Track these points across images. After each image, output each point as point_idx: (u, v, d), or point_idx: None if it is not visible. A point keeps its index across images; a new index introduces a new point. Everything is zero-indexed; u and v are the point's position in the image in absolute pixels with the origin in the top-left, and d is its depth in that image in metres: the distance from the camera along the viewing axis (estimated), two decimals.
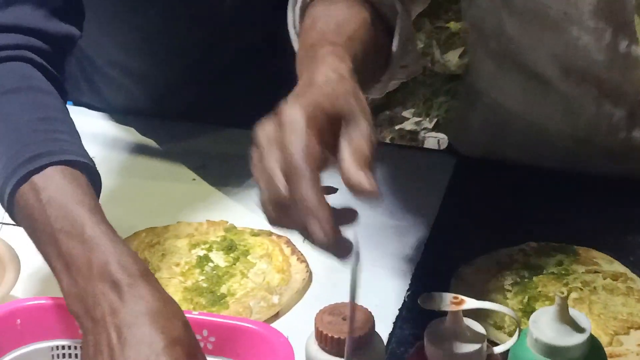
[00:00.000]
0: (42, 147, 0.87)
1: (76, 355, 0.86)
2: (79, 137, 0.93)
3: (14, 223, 0.89)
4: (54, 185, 0.84)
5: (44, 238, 0.82)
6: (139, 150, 1.33)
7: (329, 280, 1.07)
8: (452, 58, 2.80)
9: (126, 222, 1.15)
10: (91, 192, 0.86)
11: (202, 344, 0.83)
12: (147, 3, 1.25)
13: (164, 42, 1.30)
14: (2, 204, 0.88)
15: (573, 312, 0.79)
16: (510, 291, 1.04)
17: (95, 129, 1.36)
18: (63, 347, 0.86)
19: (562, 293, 0.78)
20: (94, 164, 0.90)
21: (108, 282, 0.78)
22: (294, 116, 0.74)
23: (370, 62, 0.89)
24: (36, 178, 0.84)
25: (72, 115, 0.98)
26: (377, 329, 0.84)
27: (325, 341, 0.80)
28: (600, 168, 1.21)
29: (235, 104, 1.36)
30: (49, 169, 0.85)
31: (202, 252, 1.10)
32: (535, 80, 1.17)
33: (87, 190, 0.85)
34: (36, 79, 0.96)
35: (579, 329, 0.78)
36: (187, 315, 0.81)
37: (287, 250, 1.10)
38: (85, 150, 0.92)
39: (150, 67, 1.33)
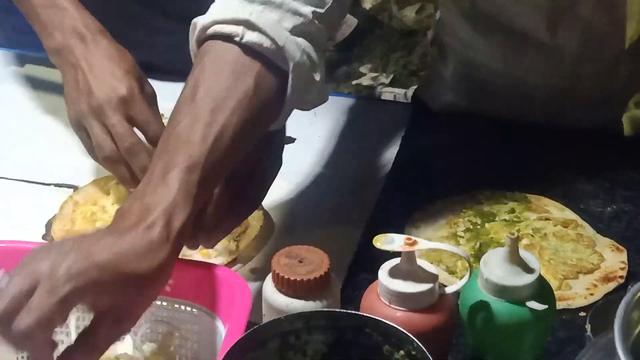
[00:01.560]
0: None
1: None
2: None
3: None
4: None
5: (28, 11, 1.11)
6: None
7: (286, 226, 1.09)
8: (409, 14, 2.81)
9: (84, 170, 1.16)
10: None
11: None
12: None
13: None
14: None
15: (523, 253, 0.81)
16: (463, 237, 1.06)
17: (51, 75, 1.36)
18: None
19: (513, 234, 0.79)
20: None
21: (77, 36, 1.07)
22: None
23: (249, 134, 0.88)
24: None
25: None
26: (332, 274, 0.85)
27: (282, 283, 0.82)
28: (578, 119, 1.22)
29: None
30: None
31: None
32: (514, 36, 1.17)
33: None
34: None
35: (529, 270, 0.80)
36: None
37: None
38: None
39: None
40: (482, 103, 1.27)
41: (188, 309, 0.86)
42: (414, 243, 0.79)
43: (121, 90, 1.03)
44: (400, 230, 1.06)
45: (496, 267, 0.80)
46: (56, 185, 1.15)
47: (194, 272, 0.86)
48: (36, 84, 1.35)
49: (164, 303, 0.86)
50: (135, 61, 1.08)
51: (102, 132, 1.02)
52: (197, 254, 1.01)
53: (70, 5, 1.09)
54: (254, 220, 1.08)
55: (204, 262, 0.91)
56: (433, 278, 0.80)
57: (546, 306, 0.79)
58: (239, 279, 0.84)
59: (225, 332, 0.79)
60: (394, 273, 0.80)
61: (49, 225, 1.08)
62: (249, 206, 0.94)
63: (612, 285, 1.01)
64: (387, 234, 0.80)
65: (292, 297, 0.82)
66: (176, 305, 0.86)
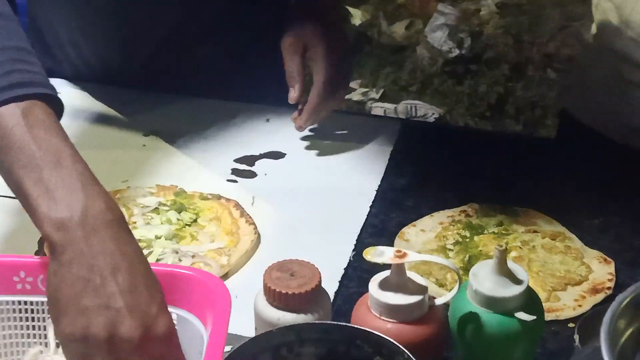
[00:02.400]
0: (24, 76, 0.85)
1: (13, 311, 0.85)
2: (40, 65, 0.90)
3: None
4: (37, 115, 0.83)
5: (22, 162, 0.81)
6: (90, 116, 1.33)
7: (277, 241, 1.10)
8: (398, 30, 2.83)
9: None
10: (62, 129, 0.85)
11: None
12: None
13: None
14: None
15: (511, 264, 0.82)
16: (452, 250, 1.07)
17: None
18: (0, 304, 0.85)
19: (501, 246, 0.80)
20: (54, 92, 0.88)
21: (94, 219, 0.78)
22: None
23: None
24: (20, 104, 0.83)
25: None
26: (324, 287, 0.86)
27: (273, 296, 0.82)
28: None
29: (193, 72, 1.37)
30: (32, 100, 0.83)
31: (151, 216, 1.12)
32: None
33: (61, 128, 0.85)
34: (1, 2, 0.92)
35: (517, 281, 0.81)
36: None
37: (236, 213, 1.12)
38: (47, 80, 0.89)
39: (110, 32, 1.34)
40: None
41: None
42: (404, 255, 0.80)
43: (122, 330, 0.76)
44: (390, 244, 1.08)
45: (485, 279, 0.81)
46: None
47: (173, 276, 0.84)
48: None
49: None
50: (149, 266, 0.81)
51: None
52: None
53: (87, 178, 0.82)
54: (245, 235, 1.09)
55: (182, 266, 0.91)
56: (423, 290, 0.81)
57: (535, 317, 0.80)
58: (217, 280, 0.83)
59: (209, 334, 0.78)
60: (384, 285, 0.81)
61: (41, 242, 1.09)
62: (343, 88, 1.28)
63: (600, 297, 1.02)
64: (376, 247, 0.81)
65: (283, 310, 0.82)
66: None
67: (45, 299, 0.80)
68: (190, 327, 0.83)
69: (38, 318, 0.85)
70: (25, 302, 0.85)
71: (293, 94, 1.24)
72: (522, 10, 2.83)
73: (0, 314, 0.85)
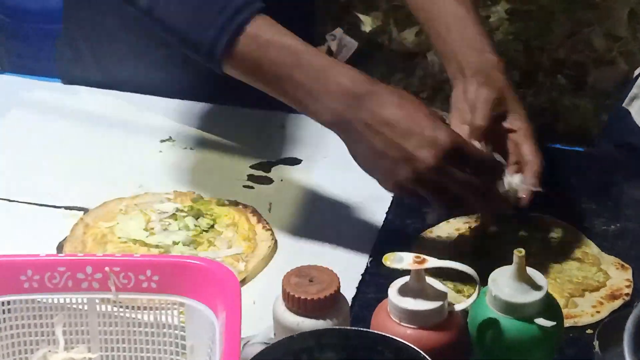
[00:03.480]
0: (235, 1, 0.97)
1: (21, 309, 0.86)
2: None
3: None
4: (264, 31, 0.97)
5: (272, 76, 0.97)
6: (107, 121, 1.34)
7: (294, 247, 1.10)
8: (409, 36, 2.83)
9: (94, 192, 1.18)
10: (287, 29, 0.99)
11: (145, 284, 0.85)
12: None
13: None
14: (214, 61, 0.99)
15: (530, 270, 0.82)
16: (469, 256, 1.07)
17: (60, 102, 1.38)
18: (9, 303, 0.86)
19: (520, 252, 0.80)
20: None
21: (353, 97, 0.95)
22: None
23: None
24: (248, 28, 0.96)
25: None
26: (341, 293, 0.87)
27: (292, 302, 0.83)
28: None
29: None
30: (255, 18, 0.97)
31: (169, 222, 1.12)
32: None
33: (285, 29, 0.98)
34: None
35: (536, 287, 0.81)
36: (128, 258, 0.86)
37: (253, 219, 1.13)
38: None
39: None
40: None
41: (176, 300, 0.86)
42: (423, 261, 0.80)
43: (444, 140, 0.94)
44: (407, 249, 1.07)
45: (504, 285, 0.81)
46: (67, 208, 1.16)
47: (180, 266, 0.86)
48: (45, 109, 1.36)
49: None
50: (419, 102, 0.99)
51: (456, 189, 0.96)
52: None
53: (329, 63, 0.99)
54: (263, 241, 1.10)
55: (189, 256, 0.92)
56: (442, 296, 0.81)
57: (554, 323, 0.80)
58: (225, 269, 0.84)
59: (220, 322, 0.79)
60: (403, 291, 0.81)
61: (60, 247, 1.09)
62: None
63: (618, 303, 1.02)
64: (396, 252, 0.81)
65: (302, 316, 0.83)
66: (161, 301, 0.87)
67: (53, 296, 0.84)
68: (200, 315, 0.83)
69: (46, 316, 0.86)
70: (33, 301, 0.85)
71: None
72: (532, 16, 2.82)
73: (8, 313, 0.86)
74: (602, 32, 2.84)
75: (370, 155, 0.97)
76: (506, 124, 1.08)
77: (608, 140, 1.46)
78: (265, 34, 0.97)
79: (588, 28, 2.85)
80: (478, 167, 0.97)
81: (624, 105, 1.42)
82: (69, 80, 1.41)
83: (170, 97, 1.36)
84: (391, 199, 1.18)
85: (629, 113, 1.35)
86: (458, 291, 1.02)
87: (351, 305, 1.00)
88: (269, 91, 1.00)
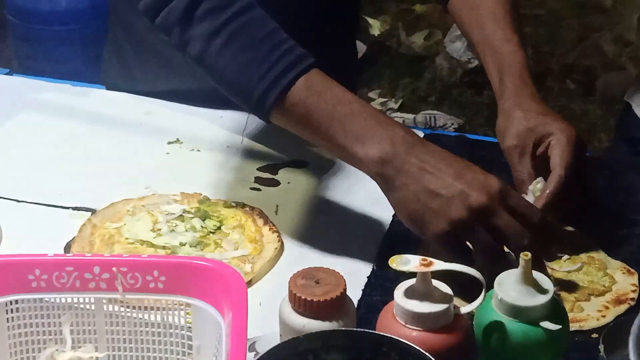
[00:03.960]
0: (289, 56, 1.02)
1: (29, 309, 0.87)
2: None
3: None
4: (317, 82, 1.02)
5: (324, 124, 1.00)
6: (115, 123, 1.35)
7: (300, 249, 1.10)
8: (417, 40, 2.84)
9: (102, 193, 1.18)
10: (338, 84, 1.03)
11: (152, 284, 0.86)
12: None
13: None
14: (261, 109, 1.03)
15: (536, 274, 0.82)
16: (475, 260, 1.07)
17: (69, 103, 1.38)
18: (17, 302, 0.87)
19: (527, 255, 0.80)
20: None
21: (405, 144, 0.97)
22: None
23: None
24: (301, 80, 1.01)
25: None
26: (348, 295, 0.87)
27: (299, 303, 0.83)
28: None
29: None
30: (308, 72, 1.02)
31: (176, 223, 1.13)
32: None
33: (336, 83, 1.02)
34: None
35: (542, 290, 0.81)
36: (136, 258, 0.87)
37: (260, 221, 1.13)
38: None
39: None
40: None
41: (183, 301, 0.87)
42: (430, 264, 0.80)
43: (495, 184, 0.95)
44: (412, 252, 1.08)
45: (510, 288, 0.81)
46: (74, 208, 1.17)
47: (187, 267, 0.86)
48: (54, 111, 1.37)
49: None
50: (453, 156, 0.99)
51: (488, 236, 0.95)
52: None
53: (378, 113, 1.02)
54: (269, 243, 1.10)
55: (196, 257, 0.93)
56: (448, 298, 0.81)
57: (560, 326, 0.80)
58: (231, 270, 0.84)
59: (226, 323, 0.79)
60: (409, 293, 0.81)
61: (67, 248, 1.10)
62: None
63: (623, 308, 1.02)
64: (402, 255, 0.81)
65: (308, 317, 0.83)
66: (168, 301, 0.87)
67: (60, 295, 0.85)
68: (206, 316, 0.84)
69: (53, 315, 0.86)
70: (41, 300, 0.86)
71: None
72: (542, 21, 2.83)
73: (16, 312, 0.86)
74: (611, 37, 2.84)
75: (420, 198, 0.96)
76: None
77: (619, 137, 1.46)
78: (316, 86, 1.02)
79: (598, 33, 2.85)
80: (524, 218, 0.96)
81: (625, 98, 1.42)
82: (112, 86, 1.42)
83: (178, 100, 1.37)
84: None
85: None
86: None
87: (357, 307, 1.00)
88: (315, 139, 1.04)
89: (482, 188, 0.94)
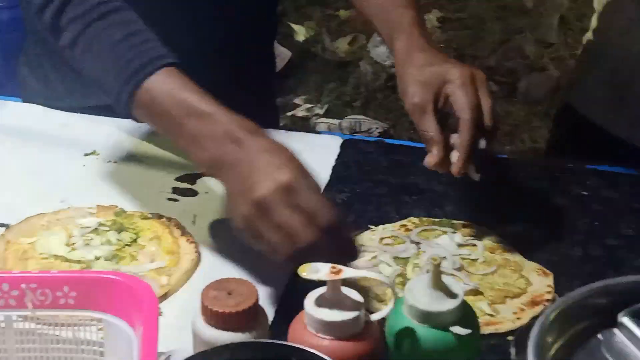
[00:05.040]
0: (141, 58, 1.05)
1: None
2: (158, 39, 1.08)
3: None
4: (162, 85, 1.03)
5: (167, 125, 1.03)
6: (29, 136, 1.33)
7: (218, 260, 1.10)
8: (342, 45, 2.85)
9: (16, 208, 1.16)
10: (190, 81, 1.04)
11: (63, 300, 0.85)
12: None
13: None
14: (122, 108, 1.06)
15: (446, 279, 0.83)
16: (390, 266, 1.08)
17: None
18: None
19: (436, 260, 0.81)
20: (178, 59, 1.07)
21: (232, 140, 0.99)
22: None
23: None
24: (146, 83, 1.03)
25: None
26: (264, 306, 0.87)
27: (210, 316, 0.82)
28: None
29: None
30: (155, 74, 1.04)
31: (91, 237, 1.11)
32: None
33: (187, 81, 1.04)
34: None
35: (452, 295, 0.82)
36: (45, 274, 0.86)
37: (177, 232, 1.12)
38: (166, 49, 1.07)
39: None
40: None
41: (94, 318, 0.86)
42: (339, 272, 0.80)
43: (283, 178, 0.94)
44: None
45: (420, 294, 0.82)
46: None
47: (97, 281, 0.86)
48: None
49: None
50: (294, 154, 0.99)
51: (275, 233, 0.94)
52: None
53: (216, 110, 1.02)
54: (186, 254, 1.09)
55: (107, 272, 0.91)
56: (359, 306, 0.81)
57: (470, 331, 0.81)
58: (143, 284, 0.83)
59: (138, 337, 0.79)
60: (320, 302, 0.81)
61: None
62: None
63: (539, 309, 1.03)
64: (312, 264, 0.81)
65: (221, 329, 0.82)
66: (80, 317, 0.86)
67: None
68: (118, 331, 0.83)
69: None
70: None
71: (432, 158, 1.07)
72: (464, 24, 2.86)
73: None
74: (533, 38, 2.88)
75: (231, 192, 0.99)
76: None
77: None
78: (163, 86, 1.04)
79: (519, 35, 2.89)
80: (310, 213, 0.95)
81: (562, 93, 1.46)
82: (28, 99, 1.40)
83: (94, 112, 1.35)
84: None
85: None
86: (380, 300, 1.02)
87: (274, 317, 1.00)
88: (170, 138, 1.06)
89: (268, 180, 0.95)
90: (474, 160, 1.07)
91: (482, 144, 1.07)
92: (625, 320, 0.65)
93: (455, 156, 1.06)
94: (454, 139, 1.07)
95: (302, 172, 0.96)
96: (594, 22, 1.37)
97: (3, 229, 1.13)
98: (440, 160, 1.06)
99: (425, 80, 1.08)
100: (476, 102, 1.07)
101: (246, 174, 0.96)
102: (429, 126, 1.07)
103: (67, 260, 1.08)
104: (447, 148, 1.07)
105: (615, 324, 0.66)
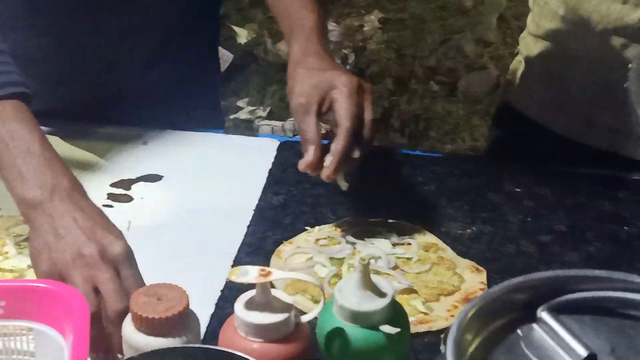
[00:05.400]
0: None
1: None
2: (13, 63, 1.07)
3: None
4: (8, 112, 1.01)
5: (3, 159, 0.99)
6: None
7: (153, 266, 1.08)
8: (284, 47, 2.85)
9: None
10: (34, 121, 1.02)
11: None
12: None
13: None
14: None
15: (375, 278, 0.83)
16: (326, 267, 1.08)
17: None
18: None
19: (364, 260, 0.81)
20: (30, 91, 1.05)
21: (53, 191, 0.96)
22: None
23: None
24: None
25: None
26: (200, 310, 0.86)
27: (140, 321, 0.82)
28: None
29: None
30: (5, 99, 1.01)
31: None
32: None
33: (32, 120, 1.01)
34: None
35: (381, 294, 0.82)
36: None
37: None
38: (22, 77, 1.05)
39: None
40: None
41: (24, 325, 0.85)
42: (268, 274, 0.80)
43: (85, 250, 0.91)
44: (267, 263, 1.09)
45: (350, 294, 0.82)
46: None
47: (28, 290, 0.85)
48: None
49: None
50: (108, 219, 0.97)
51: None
52: None
53: (52, 156, 1.00)
54: None
55: (39, 280, 0.91)
56: (288, 308, 0.81)
57: (399, 329, 0.81)
58: (74, 292, 0.83)
59: (72, 345, 0.78)
60: (249, 305, 0.81)
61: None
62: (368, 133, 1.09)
63: None
64: (241, 266, 0.81)
65: (151, 335, 0.82)
66: (10, 326, 0.85)
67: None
68: (49, 340, 0.82)
69: None
70: None
71: (307, 159, 1.08)
72: (405, 25, 2.88)
73: None
74: (472, 38, 2.91)
75: (47, 240, 0.94)
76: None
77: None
78: (5, 115, 1.01)
79: (459, 35, 2.92)
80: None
81: (500, 92, 1.48)
82: None
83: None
84: (252, 211, 1.18)
85: None
86: (316, 301, 1.02)
87: (209, 321, 1.00)
88: None
89: (98, 243, 0.92)
90: (345, 168, 1.09)
91: (356, 154, 1.08)
92: (544, 315, 0.66)
93: (328, 160, 1.08)
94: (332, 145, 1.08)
95: (108, 243, 0.93)
96: (529, 21, 1.39)
97: None
98: (314, 162, 1.08)
99: (313, 83, 1.10)
100: (358, 112, 1.08)
101: (54, 233, 0.93)
102: (309, 127, 1.09)
103: None
104: (323, 152, 1.08)
105: (535, 319, 0.67)
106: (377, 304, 0.82)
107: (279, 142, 1.35)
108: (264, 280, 0.80)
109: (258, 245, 1.13)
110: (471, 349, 0.64)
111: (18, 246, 1.10)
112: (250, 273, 0.80)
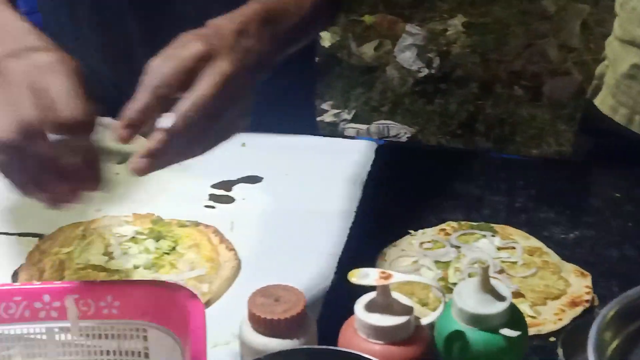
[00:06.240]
0: None
1: None
2: None
3: None
4: None
5: None
6: None
7: (258, 267, 1.09)
8: (368, 50, 2.85)
9: (50, 217, 1.15)
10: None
11: (106, 310, 0.84)
12: None
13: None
14: None
15: (494, 282, 0.82)
16: (432, 270, 1.07)
17: None
18: None
19: (484, 264, 0.80)
20: None
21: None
22: None
23: None
24: None
25: None
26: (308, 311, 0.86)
27: (258, 322, 0.82)
28: None
29: None
30: None
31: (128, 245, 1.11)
32: None
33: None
34: None
35: (500, 298, 0.82)
36: (87, 284, 0.86)
37: (215, 240, 1.12)
38: None
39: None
40: None
41: (138, 328, 0.85)
42: (389, 276, 0.80)
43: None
44: (371, 265, 1.08)
45: (469, 297, 0.81)
46: (20, 234, 1.14)
47: (141, 290, 0.85)
48: None
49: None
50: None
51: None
52: None
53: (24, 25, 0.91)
54: (226, 261, 1.09)
55: (152, 280, 0.91)
56: (409, 310, 0.81)
57: (519, 332, 0.81)
58: (189, 292, 0.83)
59: (190, 346, 0.78)
60: (370, 307, 0.81)
61: (15, 276, 1.07)
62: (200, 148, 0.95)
63: (579, 310, 1.03)
64: (361, 269, 0.81)
65: (269, 336, 0.82)
66: (124, 327, 0.85)
67: (9, 327, 0.83)
68: (164, 339, 0.83)
69: (3, 347, 0.84)
70: None
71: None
72: (488, 29, 2.86)
73: None
74: (556, 43, 2.88)
75: None
76: None
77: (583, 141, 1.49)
78: None
79: (543, 40, 2.89)
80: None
81: (587, 97, 1.45)
82: None
83: None
84: (353, 214, 1.18)
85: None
86: (423, 304, 1.02)
87: (317, 323, 0.99)
88: None
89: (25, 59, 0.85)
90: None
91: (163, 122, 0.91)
92: None
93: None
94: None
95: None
96: (615, 25, 1.37)
97: (37, 239, 1.13)
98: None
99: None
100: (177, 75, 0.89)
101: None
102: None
103: (105, 269, 1.07)
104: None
105: None
106: (497, 307, 0.81)
107: (376, 145, 1.34)
108: (384, 282, 0.80)
109: (361, 248, 1.13)
110: (609, 351, 0.63)
111: (122, 246, 1.11)
112: (371, 275, 0.80)
